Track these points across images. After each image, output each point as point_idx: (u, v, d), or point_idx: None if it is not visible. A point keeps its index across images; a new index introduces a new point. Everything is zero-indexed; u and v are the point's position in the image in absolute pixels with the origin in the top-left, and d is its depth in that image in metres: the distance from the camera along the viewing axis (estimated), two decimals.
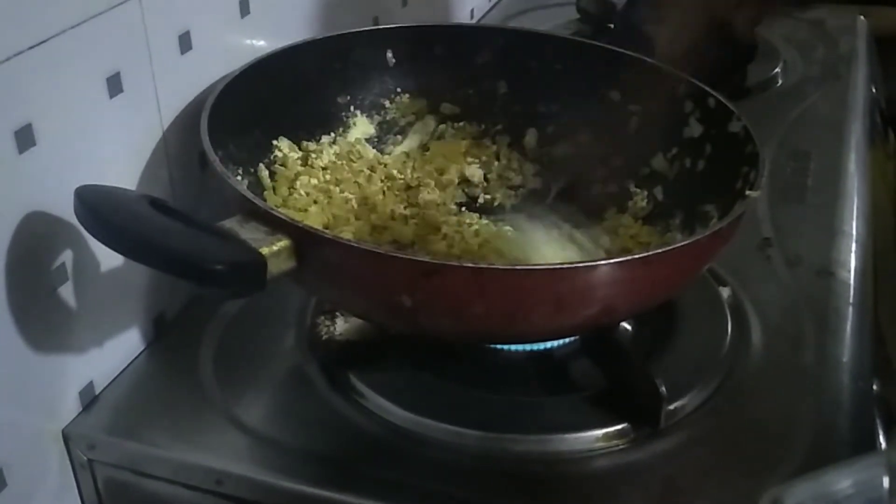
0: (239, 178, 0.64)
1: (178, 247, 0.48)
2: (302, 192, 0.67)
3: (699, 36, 0.65)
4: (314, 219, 0.65)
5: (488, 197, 0.74)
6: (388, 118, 0.76)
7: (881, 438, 0.57)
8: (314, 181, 0.68)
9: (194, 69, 0.63)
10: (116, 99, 0.57)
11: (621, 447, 0.55)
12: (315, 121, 0.72)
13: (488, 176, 0.75)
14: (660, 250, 0.52)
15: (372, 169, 0.72)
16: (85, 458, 0.57)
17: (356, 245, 0.51)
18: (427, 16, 0.99)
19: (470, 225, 0.68)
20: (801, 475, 0.40)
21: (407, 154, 0.75)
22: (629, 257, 0.51)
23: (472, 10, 1.14)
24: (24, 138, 0.50)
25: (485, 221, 0.70)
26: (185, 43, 0.62)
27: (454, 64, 0.76)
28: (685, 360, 0.60)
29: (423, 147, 0.76)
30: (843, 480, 0.38)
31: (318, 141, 0.72)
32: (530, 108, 0.76)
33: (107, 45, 0.55)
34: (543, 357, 0.61)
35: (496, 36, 0.77)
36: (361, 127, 0.75)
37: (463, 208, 0.72)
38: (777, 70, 1.02)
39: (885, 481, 0.36)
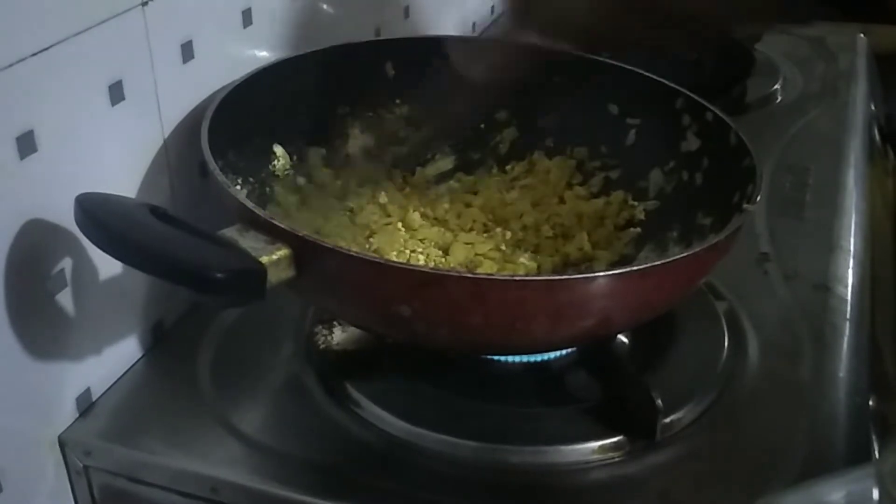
0: (238, 186, 0.64)
1: (178, 255, 0.48)
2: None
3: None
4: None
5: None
6: (386, 130, 0.76)
7: (876, 454, 0.57)
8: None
9: (196, 78, 0.64)
10: (118, 107, 0.57)
11: (617, 459, 0.55)
12: (314, 131, 0.72)
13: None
14: (657, 262, 0.52)
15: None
16: (81, 464, 0.57)
17: (355, 254, 0.51)
18: (428, 28, 0.99)
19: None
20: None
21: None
22: (627, 269, 0.51)
23: (473, 24, 1.15)
24: (26, 144, 0.50)
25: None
26: (187, 52, 0.62)
27: (453, 76, 0.76)
28: (682, 373, 0.61)
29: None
30: (834, 491, 0.38)
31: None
32: (529, 122, 0.77)
33: (109, 53, 0.55)
34: (540, 368, 0.61)
35: (496, 49, 0.77)
36: (360, 138, 0.75)
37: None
38: (777, 86, 1.03)
39: (875, 493, 0.36)
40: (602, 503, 0.54)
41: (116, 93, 0.57)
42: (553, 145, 0.76)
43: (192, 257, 0.48)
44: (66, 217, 0.52)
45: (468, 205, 0.73)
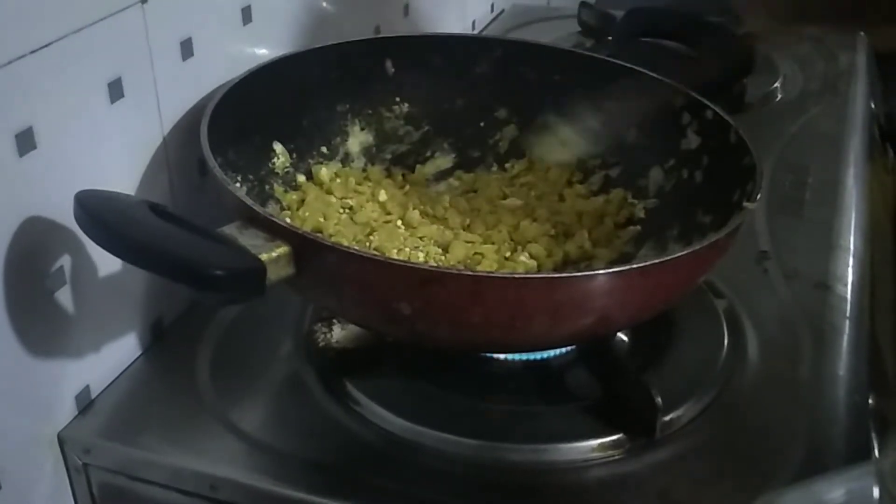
0: (238, 184, 0.64)
1: (177, 252, 0.48)
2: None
3: None
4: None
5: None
6: (386, 127, 0.76)
7: (876, 452, 0.57)
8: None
9: (195, 76, 0.64)
10: (117, 104, 0.57)
11: (617, 457, 0.55)
12: (314, 129, 0.72)
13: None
14: (657, 260, 0.52)
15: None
16: (80, 462, 0.57)
17: (355, 252, 0.51)
18: (428, 26, 0.99)
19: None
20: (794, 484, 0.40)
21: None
22: (626, 267, 0.51)
23: (473, 22, 1.15)
24: (25, 141, 0.50)
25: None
26: (186, 49, 0.62)
27: (453, 74, 0.76)
28: (681, 371, 0.61)
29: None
30: (834, 489, 0.38)
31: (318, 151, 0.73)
32: (529, 120, 0.77)
33: (109, 51, 0.55)
34: (540, 367, 0.61)
35: (496, 47, 0.77)
36: (359, 136, 0.75)
37: None
38: (777, 84, 1.03)
39: (876, 491, 0.36)
40: (602, 501, 0.54)
41: (116, 90, 0.56)
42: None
43: (192, 254, 0.48)
44: (65, 214, 0.52)
45: (467, 202, 0.73)
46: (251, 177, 0.66)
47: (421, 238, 0.68)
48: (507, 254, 0.67)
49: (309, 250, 0.50)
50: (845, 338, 0.65)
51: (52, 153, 0.52)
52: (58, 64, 0.52)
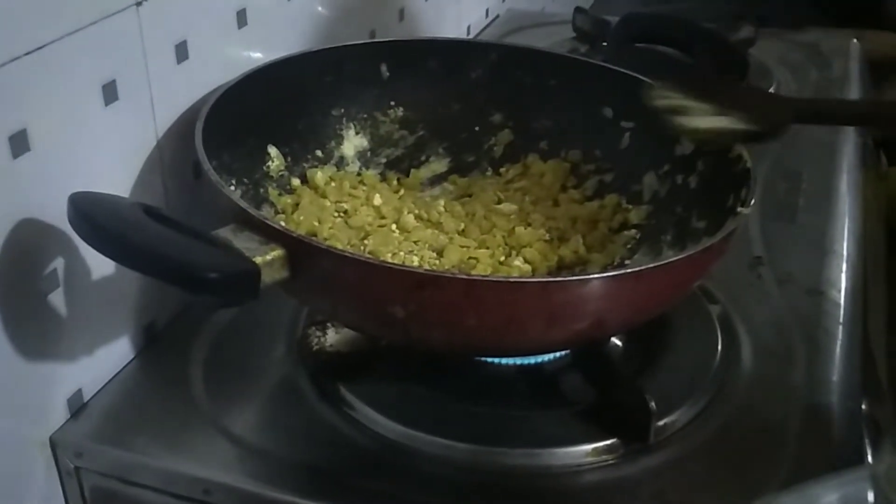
0: (232, 187, 0.64)
1: (172, 254, 0.48)
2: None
3: None
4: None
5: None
6: (381, 132, 0.76)
7: (869, 458, 0.57)
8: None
9: (190, 78, 0.64)
10: (112, 106, 0.57)
11: (611, 462, 0.55)
12: (309, 132, 0.72)
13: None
14: (651, 265, 0.52)
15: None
16: (72, 465, 0.57)
17: (349, 255, 0.51)
18: (423, 31, 0.99)
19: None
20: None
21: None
22: (621, 272, 0.52)
23: (468, 27, 1.15)
24: (19, 144, 0.50)
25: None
26: (181, 52, 0.62)
27: (448, 79, 0.76)
28: (675, 376, 0.61)
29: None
30: (829, 493, 0.38)
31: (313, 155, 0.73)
32: (523, 124, 0.77)
33: (103, 53, 0.55)
34: (534, 371, 0.61)
35: (491, 52, 0.77)
36: (354, 140, 0.75)
37: None
38: (771, 91, 1.03)
39: (870, 495, 0.36)
40: None
41: (110, 92, 0.56)
42: (547, 148, 0.76)
43: (186, 257, 0.48)
44: (58, 216, 0.51)
45: (462, 207, 0.73)
46: (245, 180, 0.66)
47: (415, 242, 0.68)
48: (502, 258, 0.67)
49: (303, 253, 0.50)
50: (838, 343, 0.65)
51: (46, 155, 0.52)
52: (52, 66, 0.51)
